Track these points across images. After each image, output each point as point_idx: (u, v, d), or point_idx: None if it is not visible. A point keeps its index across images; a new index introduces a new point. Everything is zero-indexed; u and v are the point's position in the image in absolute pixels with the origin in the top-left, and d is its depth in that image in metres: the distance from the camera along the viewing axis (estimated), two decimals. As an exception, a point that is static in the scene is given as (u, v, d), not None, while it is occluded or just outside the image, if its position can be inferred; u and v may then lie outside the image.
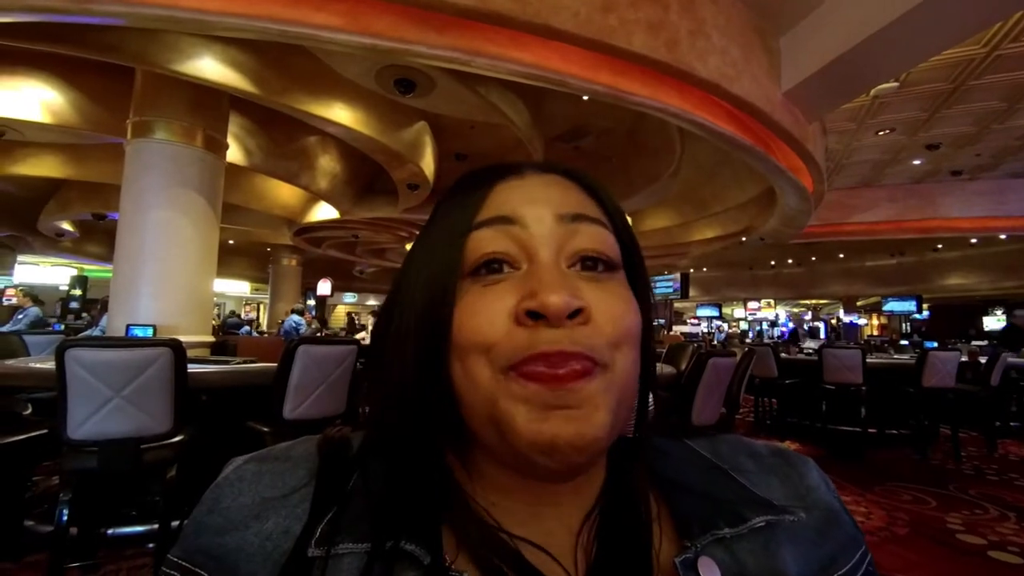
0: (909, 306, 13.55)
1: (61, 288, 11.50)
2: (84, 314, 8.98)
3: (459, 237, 0.30)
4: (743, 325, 18.93)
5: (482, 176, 0.33)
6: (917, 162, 7.07)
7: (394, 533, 0.27)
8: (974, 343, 8.54)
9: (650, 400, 0.34)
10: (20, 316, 5.91)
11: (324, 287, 12.71)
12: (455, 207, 0.32)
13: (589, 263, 0.30)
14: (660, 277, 12.80)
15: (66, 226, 8.61)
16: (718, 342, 12.37)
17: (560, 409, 0.26)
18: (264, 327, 12.13)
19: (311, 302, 13.82)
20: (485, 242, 0.30)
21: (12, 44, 3.10)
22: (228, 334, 7.17)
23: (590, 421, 0.26)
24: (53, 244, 9.76)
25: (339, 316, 18.54)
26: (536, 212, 0.30)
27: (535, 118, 4.93)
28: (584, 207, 0.32)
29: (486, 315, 0.28)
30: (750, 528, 0.30)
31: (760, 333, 17.17)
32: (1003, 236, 9.09)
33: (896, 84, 4.80)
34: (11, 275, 10.47)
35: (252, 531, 0.29)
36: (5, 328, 5.54)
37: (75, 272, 11.82)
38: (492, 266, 0.29)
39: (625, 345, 0.29)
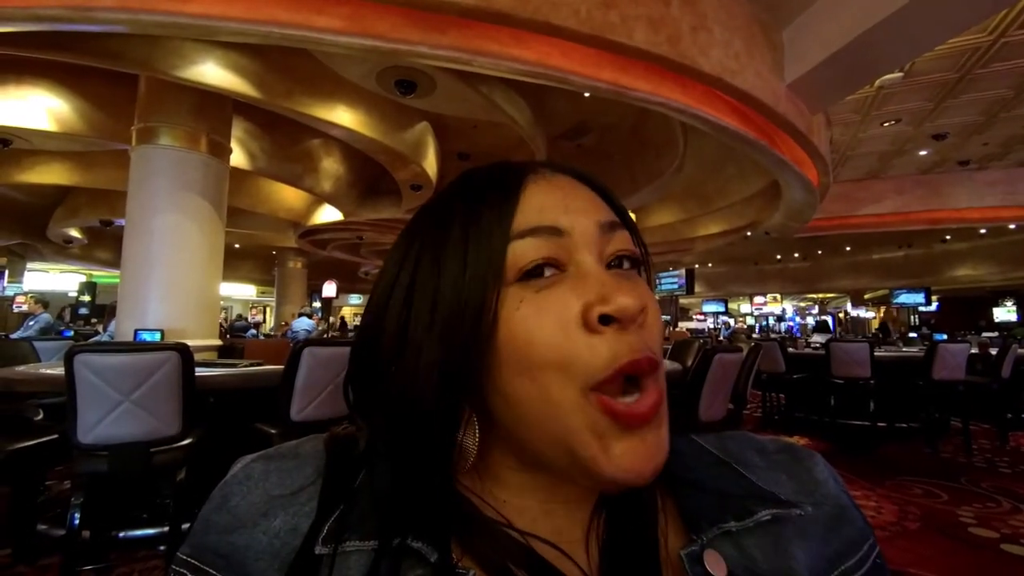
0: (918, 299, 13.42)
1: (71, 294, 11.62)
2: (94, 319, 9.06)
3: (499, 244, 0.29)
4: (750, 320, 18.81)
5: (502, 175, 0.32)
6: (924, 153, 7.00)
7: (401, 530, 0.27)
8: (984, 335, 8.45)
9: None
10: (31, 322, 5.98)
11: (330, 289, 12.76)
12: (480, 210, 0.30)
13: (616, 262, 0.31)
14: (665, 273, 12.76)
15: (74, 233, 8.70)
16: (724, 337, 12.30)
17: (636, 435, 0.27)
18: (270, 329, 12.19)
19: (316, 304, 13.88)
20: (531, 249, 0.29)
21: (18, 53, 3.13)
22: (235, 337, 7.22)
23: (662, 444, 0.28)
24: (62, 251, 9.86)
25: (344, 317, 18.62)
26: (580, 222, 0.30)
27: (537, 116, 4.92)
28: (611, 214, 0.32)
29: (555, 326, 0.27)
30: (756, 522, 0.30)
31: (766, 328, 17.04)
32: (1012, 226, 8.98)
33: (901, 74, 4.75)
34: (22, 282, 10.58)
35: (260, 529, 0.29)
36: (16, 334, 5.61)
37: (84, 278, 11.94)
38: (537, 270, 0.29)
39: (662, 340, 0.30)
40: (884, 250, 13.31)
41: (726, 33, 3.22)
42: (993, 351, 4.43)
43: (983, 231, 10.49)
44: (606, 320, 0.27)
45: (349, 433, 0.34)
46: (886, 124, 6.03)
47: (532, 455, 0.29)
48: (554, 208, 0.30)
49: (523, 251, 0.29)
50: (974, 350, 4.38)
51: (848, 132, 6.26)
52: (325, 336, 8.06)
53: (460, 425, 0.30)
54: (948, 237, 11.70)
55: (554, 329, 0.27)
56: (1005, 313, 14.46)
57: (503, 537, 0.28)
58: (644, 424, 0.27)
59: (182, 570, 0.29)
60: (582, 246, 0.30)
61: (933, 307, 14.00)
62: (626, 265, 0.31)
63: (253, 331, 10.54)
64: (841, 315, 17.50)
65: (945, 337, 5.38)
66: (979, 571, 2.01)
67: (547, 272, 0.29)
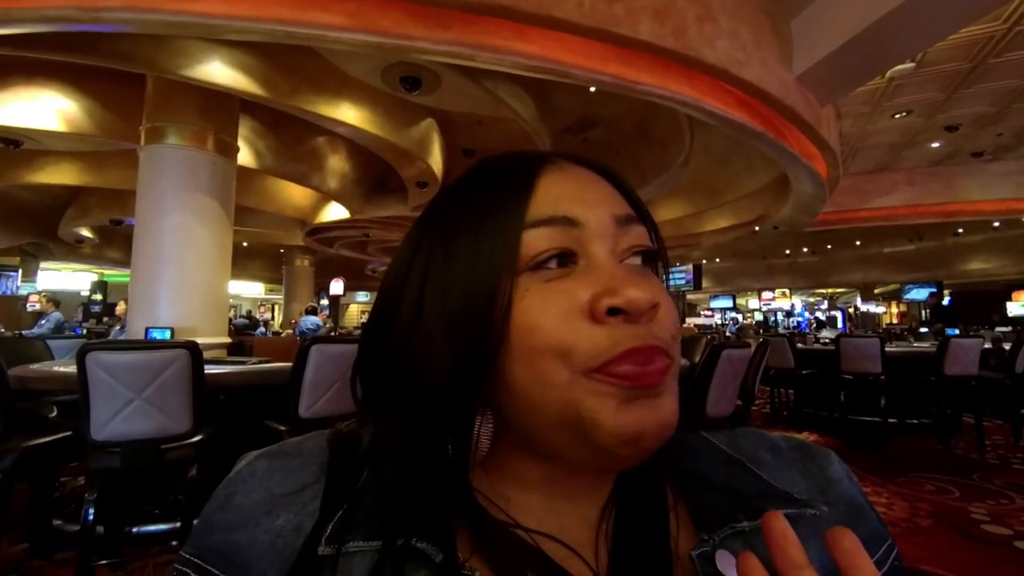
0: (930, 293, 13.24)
1: (83, 293, 11.77)
2: (106, 318, 9.18)
3: (512, 233, 0.29)
4: (758, 316, 18.67)
5: (519, 164, 0.32)
6: (935, 144, 6.88)
7: (405, 531, 0.27)
8: (998, 329, 8.32)
9: None
10: (43, 321, 6.08)
11: (337, 287, 12.81)
12: (494, 198, 0.30)
13: (631, 257, 0.30)
14: (672, 269, 12.69)
15: (85, 232, 8.79)
16: (731, 333, 12.23)
17: (640, 399, 0.26)
18: (278, 327, 12.27)
19: (324, 301, 13.95)
20: (544, 239, 0.29)
21: (27, 55, 3.16)
22: (242, 335, 7.27)
23: (668, 409, 0.27)
24: (74, 250, 9.98)
25: (352, 314, 18.74)
26: (595, 214, 0.30)
27: (542, 111, 4.90)
28: (627, 207, 0.32)
29: (559, 314, 0.27)
30: None
31: (775, 324, 16.87)
32: (1027, 218, 8.82)
33: (912, 65, 4.67)
34: (35, 282, 10.73)
35: (263, 528, 0.28)
36: (29, 332, 5.70)
37: (96, 277, 12.08)
38: (549, 260, 0.29)
39: (678, 337, 0.29)
40: (895, 243, 13.13)
41: (732, 23, 3.19)
42: (1007, 346, 4.36)
43: (996, 223, 10.31)
44: (615, 312, 0.26)
45: (352, 430, 0.33)
46: (897, 116, 5.93)
47: (537, 443, 0.29)
48: (570, 199, 0.30)
49: (536, 240, 0.29)
50: (987, 345, 4.32)
51: (858, 124, 6.17)
52: (332, 334, 8.11)
53: (475, 418, 0.29)
54: (960, 230, 11.52)
55: (557, 317, 0.27)
56: (1019, 307, 14.22)
57: (512, 538, 0.28)
58: (651, 386, 0.26)
59: (184, 569, 0.29)
60: (596, 238, 0.29)
61: (945, 301, 13.80)
62: (639, 261, 0.31)
63: (262, 329, 10.61)
64: (851, 310, 17.29)
65: (957, 332, 5.31)
66: (992, 568, 1.99)
67: (560, 263, 0.29)
